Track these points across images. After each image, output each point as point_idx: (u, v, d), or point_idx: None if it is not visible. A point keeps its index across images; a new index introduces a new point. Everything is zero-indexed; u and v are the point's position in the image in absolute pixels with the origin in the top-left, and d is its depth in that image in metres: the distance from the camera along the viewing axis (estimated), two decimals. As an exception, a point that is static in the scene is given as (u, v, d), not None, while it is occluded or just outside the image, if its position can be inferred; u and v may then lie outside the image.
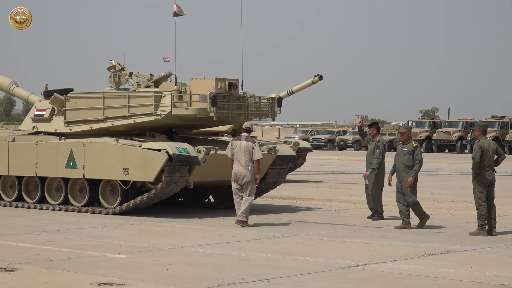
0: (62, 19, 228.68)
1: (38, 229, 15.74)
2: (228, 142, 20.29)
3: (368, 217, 17.87)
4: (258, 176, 16.70)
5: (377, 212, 17.74)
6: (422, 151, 17.65)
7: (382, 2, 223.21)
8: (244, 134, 16.75)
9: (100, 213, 18.50)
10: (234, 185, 16.61)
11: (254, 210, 16.64)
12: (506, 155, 16.58)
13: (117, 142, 18.33)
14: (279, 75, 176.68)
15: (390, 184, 16.86)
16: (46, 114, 20.40)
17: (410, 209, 16.25)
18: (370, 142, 17.79)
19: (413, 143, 16.40)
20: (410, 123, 71.13)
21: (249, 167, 16.41)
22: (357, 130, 18.14)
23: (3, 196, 20.60)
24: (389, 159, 17.82)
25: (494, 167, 15.59)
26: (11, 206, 20.18)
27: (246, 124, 17.10)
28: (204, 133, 21.47)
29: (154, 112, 18.52)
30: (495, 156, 15.55)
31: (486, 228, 15.34)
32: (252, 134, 21.35)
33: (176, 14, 20.77)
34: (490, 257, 12.75)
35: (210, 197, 21.38)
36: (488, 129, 66.30)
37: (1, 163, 20.30)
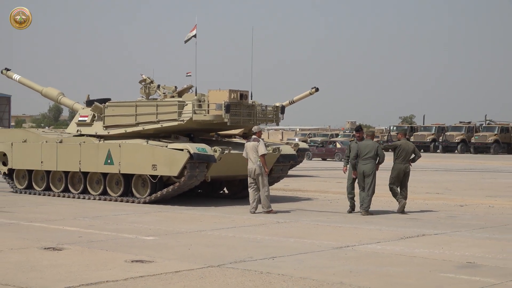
0: (104, 41, 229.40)
1: (81, 215, 15.77)
2: (240, 142, 20.46)
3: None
4: (266, 169, 16.74)
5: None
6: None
7: (363, 28, 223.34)
8: (253, 137, 16.90)
9: (133, 202, 18.53)
10: (249, 179, 16.71)
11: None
12: (472, 154, 16.74)
13: (147, 143, 18.35)
14: (283, 87, 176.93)
15: (344, 172, 16.89)
16: (88, 119, 20.46)
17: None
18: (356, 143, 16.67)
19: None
20: (391, 128, 71.05)
21: (258, 162, 16.48)
22: (347, 133, 17.86)
23: (52, 187, 20.67)
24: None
25: (411, 163, 17.13)
26: (59, 196, 20.23)
27: (253, 128, 17.26)
28: (219, 136, 21.49)
29: (178, 118, 18.54)
30: (413, 155, 17.09)
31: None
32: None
33: (187, 40, 20.89)
34: (458, 239, 12.73)
35: (225, 189, 21.40)
36: (455, 133, 66.91)
37: (50, 160, 20.36)
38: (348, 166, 16.80)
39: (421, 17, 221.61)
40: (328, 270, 9.72)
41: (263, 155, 16.58)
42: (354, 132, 17.53)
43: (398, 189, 16.89)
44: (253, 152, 16.55)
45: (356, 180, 16.58)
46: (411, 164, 17.13)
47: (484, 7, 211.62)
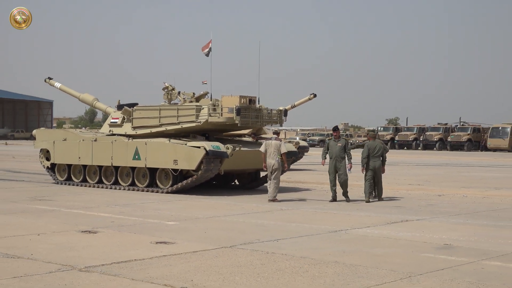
0: (133, 54, 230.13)
1: (113, 203, 15.80)
2: (249, 141, 20.48)
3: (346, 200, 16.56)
4: (286, 165, 16.86)
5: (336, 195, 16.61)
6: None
7: (355, 43, 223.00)
8: (274, 136, 17.07)
9: (157, 192, 18.53)
10: (269, 173, 16.74)
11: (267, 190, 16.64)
12: (447, 151, 16.64)
13: (169, 141, 18.36)
14: (286, 93, 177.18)
15: (323, 165, 16.86)
16: (119, 121, 20.49)
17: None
18: (337, 141, 16.60)
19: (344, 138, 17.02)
20: (379, 128, 70.86)
21: (277, 159, 16.52)
22: (341, 132, 17.84)
23: (88, 179, 20.69)
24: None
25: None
26: (94, 187, 20.26)
27: (275, 130, 17.51)
28: (231, 135, 21.50)
29: (195, 120, 18.57)
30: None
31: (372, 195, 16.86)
32: (265, 136, 21.45)
33: (207, 54, 20.98)
34: (437, 224, 12.70)
35: (236, 181, 21.39)
36: (434, 133, 66.88)
37: (87, 156, 20.40)
38: (327, 160, 16.74)
39: (405, 34, 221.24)
40: (325, 250, 9.71)
41: (284, 153, 16.66)
42: (332, 131, 17.43)
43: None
44: (274, 150, 16.58)
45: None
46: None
47: (460, 24, 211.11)
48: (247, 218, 13.37)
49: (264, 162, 16.80)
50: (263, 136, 21.99)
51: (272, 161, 16.55)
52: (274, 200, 16.45)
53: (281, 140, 16.83)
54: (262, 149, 16.82)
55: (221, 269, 8.30)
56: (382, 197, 17.06)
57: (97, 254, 9.19)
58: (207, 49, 21.04)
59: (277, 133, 17.22)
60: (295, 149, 20.51)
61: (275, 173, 16.56)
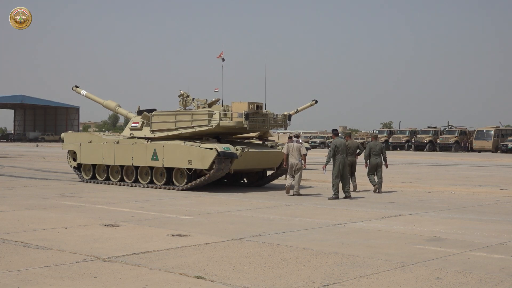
0: (152, 64, 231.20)
1: (133, 199, 15.80)
2: (256, 143, 20.45)
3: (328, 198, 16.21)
4: (305, 164, 17.20)
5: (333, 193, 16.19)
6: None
7: (353, 53, 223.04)
8: (295, 139, 17.31)
9: (173, 189, 18.54)
10: (289, 170, 17.09)
11: (276, 188, 16.61)
12: (436, 152, 16.48)
13: (184, 143, 18.36)
14: (290, 99, 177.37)
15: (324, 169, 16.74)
16: (138, 125, 20.51)
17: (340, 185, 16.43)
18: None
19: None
20: (374, 131, 70.66)
21: (300, 159, 16.88)
22: (340, 135, 17.85)
23: (111, 178, 20.72)
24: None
25: (357, 156, 17.97)
26: (116, 184, 20.28)
27: (296, 134, 17.85)
28: (240, 138, 21.49)
29: (208, 124, 18.56)
30: (358, 150, 17.95)
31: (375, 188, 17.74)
32: (270, 138, 21.41)
33: (222, 60, 21.06)
34: (427, 219, 12.64)
35: (245, 179, 21.36)
36: (424, 135, 66.91)
37: (110, 157, 20.44)
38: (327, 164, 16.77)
39: (399, 45, 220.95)
40: (325, 242, 9.68)
41: (305, 155, 17.02)
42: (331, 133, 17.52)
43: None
44: (296, 151, 16.93)
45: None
46: (357, 157, 18.11)
47: (449, 37, 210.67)
48: (254, 213, 13.35)
49: (285, 161, 17.15)
50: (269, 138, 21.97)
51: (295, 161, 16.95)
52: (299, 194, 16.89)
53: (301, 143, 17.12)
54: (284, 150, 17.21)
55: (231, 259, 8.28)
56: (382, 190, 17.80)
57: (119, 246, 9.19)
58: (220, 58, 21.13)
59: (297, 136, 17.47)
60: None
61: (298, 172, 16.96)
